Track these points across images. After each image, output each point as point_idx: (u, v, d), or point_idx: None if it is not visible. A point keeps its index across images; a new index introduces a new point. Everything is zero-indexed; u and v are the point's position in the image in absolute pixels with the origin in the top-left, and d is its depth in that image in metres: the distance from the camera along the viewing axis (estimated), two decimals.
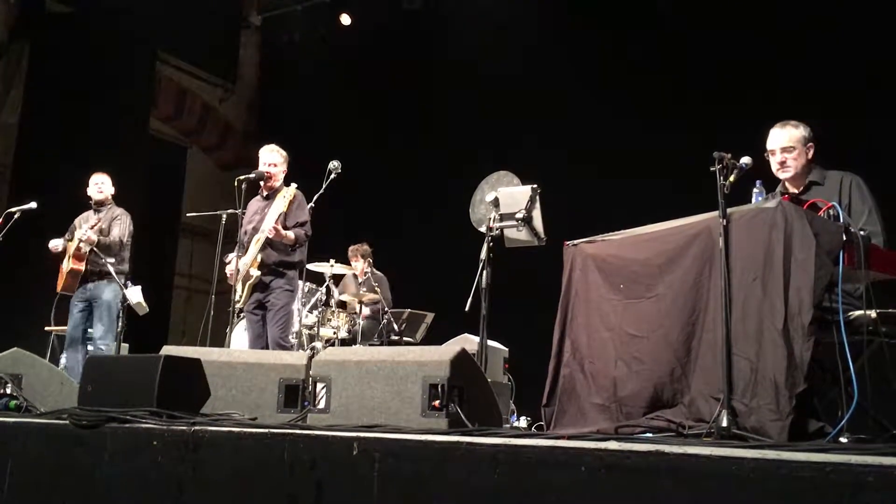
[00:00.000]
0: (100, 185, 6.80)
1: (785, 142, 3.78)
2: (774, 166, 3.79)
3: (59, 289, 6.57)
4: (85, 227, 6.37)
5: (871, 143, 6.29)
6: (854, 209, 3.54)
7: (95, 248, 6.37)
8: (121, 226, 6.61)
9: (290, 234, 5.45)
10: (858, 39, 6.65)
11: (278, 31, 11.64)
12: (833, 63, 6.68)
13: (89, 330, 6.57)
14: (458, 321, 5.08)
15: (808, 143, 3.78)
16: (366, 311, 7.61)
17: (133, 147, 10.18)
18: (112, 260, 6.44)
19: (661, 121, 7.56)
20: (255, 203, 5.81)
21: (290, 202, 5.49)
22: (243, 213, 5.68)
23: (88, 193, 6.80)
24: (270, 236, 5.37)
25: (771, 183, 3.90)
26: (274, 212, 5.51)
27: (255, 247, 5.47)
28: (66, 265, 6.47)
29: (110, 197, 6.85)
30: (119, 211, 6.75)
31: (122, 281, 6.50)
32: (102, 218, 6.60)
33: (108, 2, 9.54)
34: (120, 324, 6.76)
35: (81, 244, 6.36)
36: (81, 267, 6.43)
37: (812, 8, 6.92)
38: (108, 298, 6.48)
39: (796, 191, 3.78)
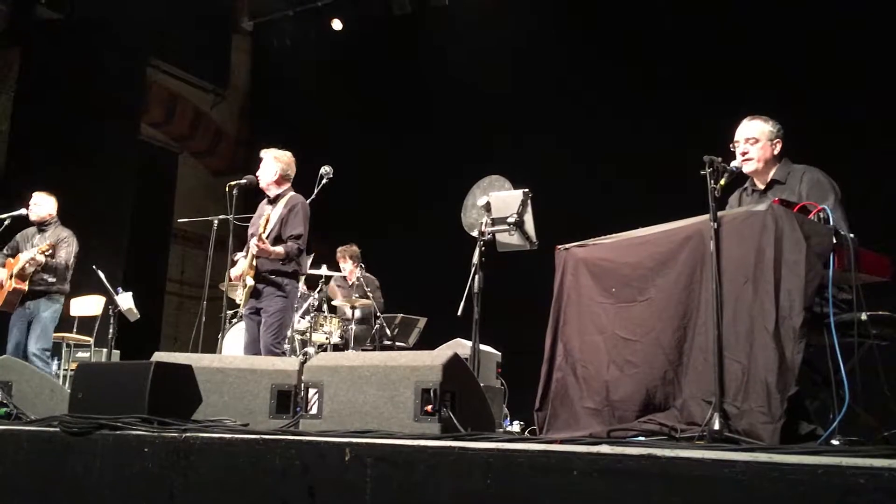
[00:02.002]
0: (32, 206, 6.71)
1: (749, 132, 3.77)
2: (738, 158, 3.72)
3: (6, 308, 6.49)
4: (34, 251, 6.32)
5: (872, 143, 6.34)
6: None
7: (40, 269, 6.37)
8: (67, 249, 6.58)
9: (279, 249, 5.33)
10: (858, 40, 6.69)
11: (269, 37, 11.64)
12: (833, 64, 6.72)
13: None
14: (451, 326, 5.09)
15: (775, 139, 3.75)
16: (357, 313, 7.59)
17: (124, 152, 10.17)
18: (53, 279, 6.47)
19: (654, 124, 7.59)
20: (261, 206, 5.71)
21: (290, 209, 5.43)
22: (236, 219, 5.64)
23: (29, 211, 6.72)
24: (254, 252, 5.29)
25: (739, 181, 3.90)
26: (271, 222, 5.41)
27: (250, 255, 5.41)
28: (7, 284, 6.40)
29: (51, 216, 6.75)
30: (66, 233, 6.69)
31: (62, 300, 6.57)
32: (49, 238, 6.56)
33: (98, 7, 9.52)
34: (112, 330, 6.78)
35: (27, 265, 6.32)
36: (24, 287, 6.39)
37: (812, 7, 6.96)
38: (45, 316, 6.48)
39: (762, 187, 3.78)
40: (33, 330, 6.46)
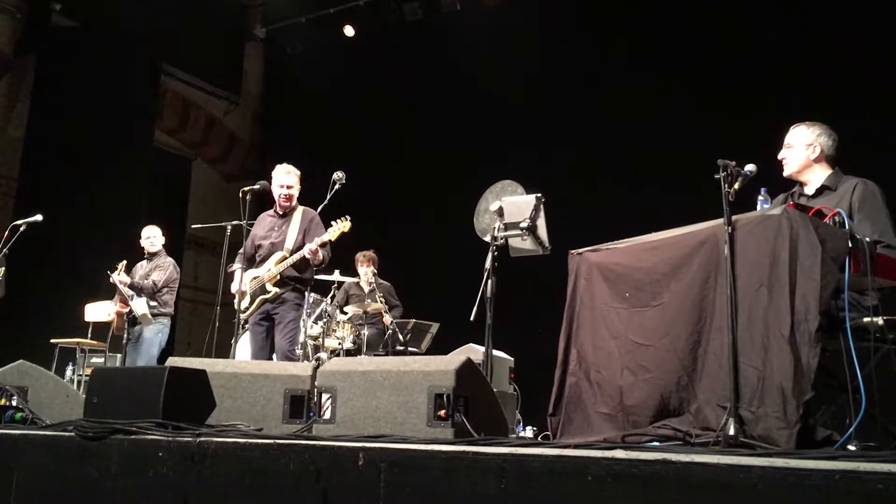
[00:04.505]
0: (152, 239, 7.40)
1: (787, 139, 3.87)
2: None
3: (114, 330, 7.22)
4: (113, 276, 6.94)
5: (875, 145, 6.28)
6: (856, 219, 3.46)
7: (131, 291, 6.96)
8: (159, 272, 7.19)
9: (321, 255, 5.51)
10: (861, 40, 6.65)
11: (282, 43, 11.69)
12: (840, 64, 6.68)
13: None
14: (464, 331, 5.08)
15: (813, 144, 3.77)
16: (387, 318, 7.57)
17: (138, 159, 10.23)
18: (154, 303, 7.03)
19: (667, 128, 7.56)
20: (268, 219, 5.82)
21: (311, 220, 5.65)
22: (250, 225, 5.68)
23: (142, 245, 7.40)
24: (310, 257, 5.42)
25: (781, 188, 3.92)
26: (294, 231, 5.59)
27: (276, 265, 5.51)
28: (116, 307, 7.09)
29: (161, 248, 7.42)
30: (166, 261, 7.34)
31: (166, 322, 7.16)
32: (146, 266, 7.24)
33: (113, 16, 9.59)
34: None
35: (121, 288, 6.93)
36: (125, 310, 7.00)
37: (818, 8, 6.92)
38: (147, 337, 7.01)
39: (809, 192, 3.80)
40: (140, 354, 6.97)
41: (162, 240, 7.49)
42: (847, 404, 2.84)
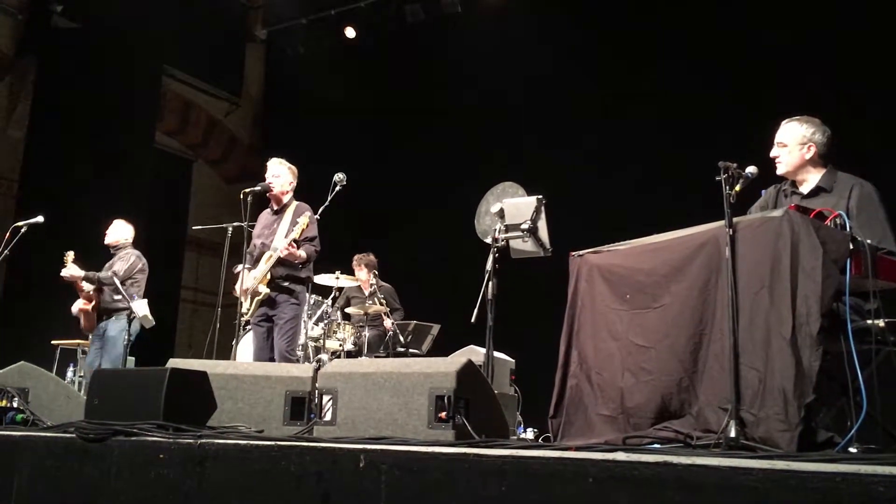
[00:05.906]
0: (111, 232, 7.01)
1: (780, 136, 3.78)
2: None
3: (84, 329, 6.87)
4: (63, 271, 6.59)
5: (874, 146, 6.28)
6: (854, 226, 3.38)
7: (91, 285, 6.61)
8: (120, 263, 6.77)
9: (302, 252, 5.47)
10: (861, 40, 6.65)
11: (283, 45, 11.70)
12: (843, 64, 6.68)
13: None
14: (465, 332, 5.08)
15: (807, 143, 3.71)
16: (388, 322, 7.56)
17: (139, 160, 10.24)
18: (118, 297, 6.59)
19: (667, 129, 7.56)
20: (265, 216, 5.82)
21: (303, 229, 5.51)
22: (250, 226, 5.69)
23: None
24: (283, 255, 5.38)
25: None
26: (283, 229, 5.55)
27: (265, 264, 5.50)
28: (80, 304, 6.74)
29: (123, 241, 7.00)
30: (128, 252, 6.92)
31: (131, 316, 6.69)
32: (118, 261, 6.85)
33: (114, 17, 9.60)
34: (126, 337, 6.85)
35: (80, 283, 6.60)
36: (89, 307, 6.68)
37: (820, 10, 6.92)
38: (112, 334, 6.66)
39: (803, 192, 3.76)
40: (106, 352, 6.67)
41: (125, 234, 7.02)
42: (848, 407, 2.84)
